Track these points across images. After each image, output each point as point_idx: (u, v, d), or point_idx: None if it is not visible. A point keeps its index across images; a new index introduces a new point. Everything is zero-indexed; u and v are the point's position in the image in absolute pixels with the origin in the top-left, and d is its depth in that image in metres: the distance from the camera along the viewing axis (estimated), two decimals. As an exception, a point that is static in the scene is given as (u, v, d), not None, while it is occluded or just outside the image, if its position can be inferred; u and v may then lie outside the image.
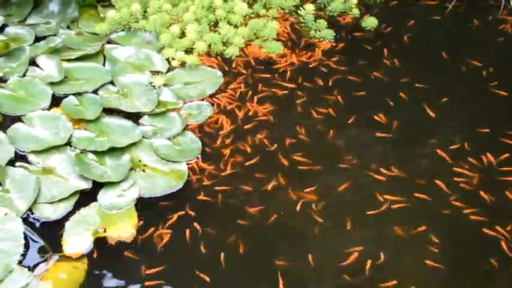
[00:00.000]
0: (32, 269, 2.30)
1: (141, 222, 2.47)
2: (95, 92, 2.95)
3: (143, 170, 2.66)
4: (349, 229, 2.46)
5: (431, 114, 2.91)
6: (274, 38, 3.24)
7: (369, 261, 2.35)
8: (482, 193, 2.57)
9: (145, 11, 3.32)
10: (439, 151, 2.74)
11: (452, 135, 2.83)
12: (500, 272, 2.34)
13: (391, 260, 2.36)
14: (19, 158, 2.65)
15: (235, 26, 3.27)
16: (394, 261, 2.36)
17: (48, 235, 2.42)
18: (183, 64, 3.12)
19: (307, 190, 2.58)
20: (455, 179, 2.63)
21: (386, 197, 2.56)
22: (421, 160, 2.72)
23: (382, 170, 2.66)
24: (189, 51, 3.18)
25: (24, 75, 3.01)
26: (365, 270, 2.32)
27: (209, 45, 3.19)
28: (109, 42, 3.23)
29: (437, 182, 2.61)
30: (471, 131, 2.84)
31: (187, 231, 2.45)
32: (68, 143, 2.71)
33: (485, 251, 2.40)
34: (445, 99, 2.99)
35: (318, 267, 2.34)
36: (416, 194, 2.57)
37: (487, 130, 2.84)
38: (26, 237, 2.37)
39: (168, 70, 3.11)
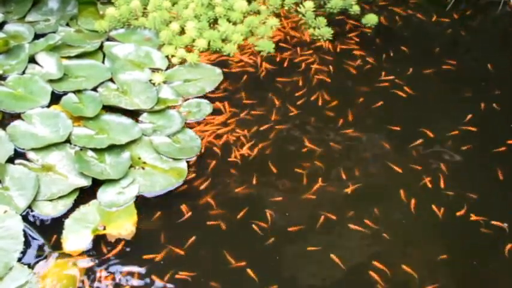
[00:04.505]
0: (31, 266, 2.30)
1: (141, 220, 2.47)
2: (95, 89, 2.95)
3: (143, 168, 2.66)
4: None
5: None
6: (270, 36, 3.24)
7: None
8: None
9: (145, 8, 3.32)
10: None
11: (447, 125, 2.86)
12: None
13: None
14: (19, 155, 2.65)
15: (235, 24, 3.27)
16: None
17: (47, 233, 2.42)
18: (182, 61, 3.12)
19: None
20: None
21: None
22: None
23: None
24: (188, 48, 3.18)
25: (23, 72, 3.01)
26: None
27: (208, 43, 3.19)
28: (108, 39, 3.23)
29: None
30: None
31: (187, 230, 2.46)
32: (68, 141, 2.71)
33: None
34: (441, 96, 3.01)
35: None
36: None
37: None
38: (25, 235, 2.37)
39: (168, 67, 3.11)
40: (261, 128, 2.83)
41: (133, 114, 2.85)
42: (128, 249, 2.39)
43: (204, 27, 3.23)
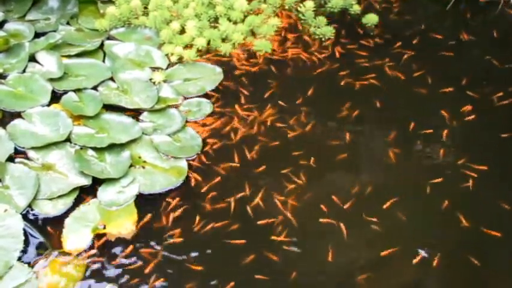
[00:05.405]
0: (31, 265, 2.31)
1: (141, 219, 2.47)
2: (95, 88, 2.95)
3: (143, 167, 2.66)
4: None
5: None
6: (271, 36, 3.24)
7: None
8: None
9: (145, 7, 3.32)
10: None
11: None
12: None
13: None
14: (19, 154, 2.65)
15: (235, 23, 3.27)
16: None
17: (47, 231, 2.42)
18: (180, 59, 3.12)
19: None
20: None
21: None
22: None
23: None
24: (188, 47, 3.18)
25: (23, 71, 3.01)
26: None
27: (208, 41, 3.19)
28: (109, 38, 3.23)
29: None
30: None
31: (187, 228, 2.46)
32: (68, 140, 2.71)
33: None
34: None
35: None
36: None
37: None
38: (25, 234, 2.37)
39: (168, 66, 3.11)
40: (262, 128, 2.83)
41: (134, 113, 2.85)
42: (127, 248, 2.39)
43: (204, 26, 3.23)
